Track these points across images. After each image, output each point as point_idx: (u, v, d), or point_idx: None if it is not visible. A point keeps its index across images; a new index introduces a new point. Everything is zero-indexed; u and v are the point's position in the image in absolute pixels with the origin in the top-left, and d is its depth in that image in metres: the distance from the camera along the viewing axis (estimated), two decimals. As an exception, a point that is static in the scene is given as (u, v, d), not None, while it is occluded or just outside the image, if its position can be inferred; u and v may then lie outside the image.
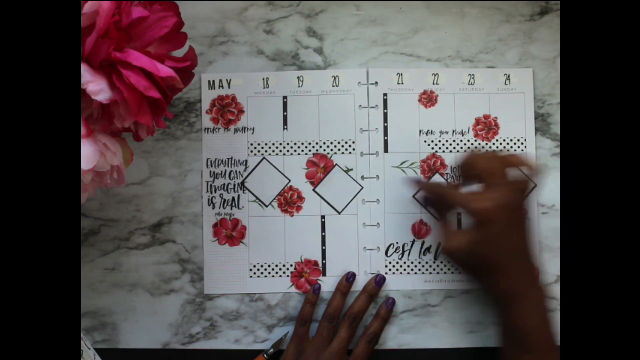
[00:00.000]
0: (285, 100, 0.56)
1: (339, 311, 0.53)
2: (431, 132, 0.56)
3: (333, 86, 0.56)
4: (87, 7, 0.36)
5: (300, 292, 0.56)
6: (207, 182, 0.56)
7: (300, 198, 0.56)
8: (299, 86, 0.56)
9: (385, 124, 0.56)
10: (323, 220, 0.56)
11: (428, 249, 0.56)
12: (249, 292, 0.56)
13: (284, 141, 0.56)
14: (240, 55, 0.57)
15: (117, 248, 0.56)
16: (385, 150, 0.56)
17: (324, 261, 0.56)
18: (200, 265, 0.56)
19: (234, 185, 0.56)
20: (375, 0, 0.57)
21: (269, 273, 0.56)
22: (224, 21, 0.57)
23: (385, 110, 0.56)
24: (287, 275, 0.56)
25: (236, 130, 0.56)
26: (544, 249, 0.56)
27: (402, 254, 0.56)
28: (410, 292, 0.56)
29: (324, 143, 0.56)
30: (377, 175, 0.56)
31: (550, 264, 0.56)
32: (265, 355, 0.54)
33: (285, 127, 0.56)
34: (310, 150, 0.56)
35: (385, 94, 0.56)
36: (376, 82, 0.56)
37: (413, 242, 0.56)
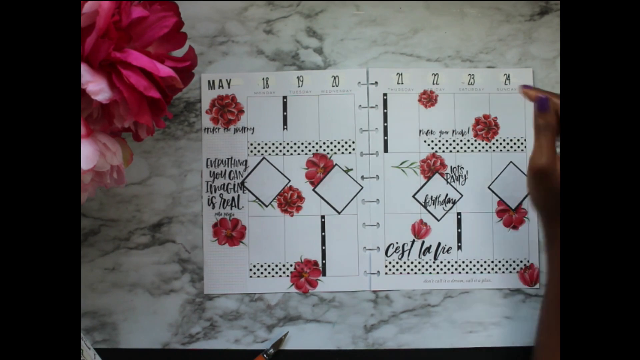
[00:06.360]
0: (285, 100, 0.56)
1: None
2: (431, 132, 0.56)
3: (333, 86, 0.56)
4: (87, 7, 0.36)
5: (300, 292, 0.56)
6: (207, 182, 0.56)
7: (300, 198, 0.56)
8: (299, 86, 0.56)
9: (385, 124, 0.56)
10: (323, 220, 0.56)
11: (428, 249, 0.56)
12: (249, 292, 0.56)
13: (284, 141, 0.56)
14: (240, 55, 0.57)
15: (117, 248, 0.56)
16: (385, 150, 0.56)
17: (323, 261, 0.56)
18: (200, 265, 0.56)
19: (234, 185, 0.56)
20: (375, 0, 0.57)
21: (269, 273, 0.56)
22: (224, 21, 0.57)
23: (385, 110, 0.56)
24: (287, 275, 0.56)
25: (236, 130, 0.56)
26: (544, 249, 0.56)
27: (402, 254, 0.56)
28: (410, 292, 0.56)
29: (324, 143, 0.56)
30: (377, 175, 0.56)
31: (550, 264, 0.56)
32: (265, 355, 0.54)
33: (285, 127, 0.56)
34: (310, 150, 0.56)
35: (385, 94, 0.56)
36: (376, 82, 0.56)
37: (413, 242, 0.56)
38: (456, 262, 0.56)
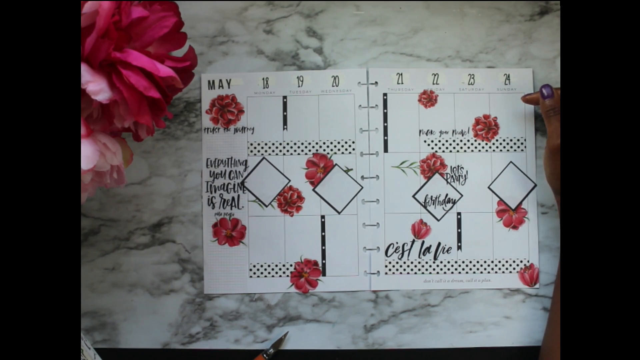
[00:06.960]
0: (285, 100, 0.56)
1: None
2: (431, 132, 0.56)
3: (333, 86, 0.56)
4: (87, 7, 0.36)
5: (300, 292, 0.56)
6: (207, 182, 0.56)
7: (300, 198, 0.56)
8: (298, 86, 0.56)
9: (385, 124, 0.56)
10: (323, 220, 0.56)
11: (428, 249, 0.56)
12: (249, 292, 0.56)
13: (283, 141, 0.56)
14: (240, 55, 0.57)
15: (117, 248, 0.56)
16: (385, 150, 0.56)
17: (323, 261, 0.56)
18: (200, 265, 0.56)
19: (234, 185, 0.56)
20: (375, 0, 0.57)
21: (269, 273, 0.56)
22: (224, 21, 0.57)
23: (385, 110, 0.56)
24: (287, 275, 0.56)
25: (236, 130, 0.56)
26: (543, 249, 0.56)
27: (402, 254, 0.56)
28: (410, 292, 0.56)
29: (324, 143, 0.56)
30: (377, 175, 0.56)
31: (550, 264, 0.56)
32: (265, 355, 0.54)
33: (285, 127, 0.56)
34: (310, 150, 0.56)
35: (385, 94, 0.56)
36: (376, 82, 0.56)
37: (413, 242, 0.56)
38: (456, 262, 0.56)
